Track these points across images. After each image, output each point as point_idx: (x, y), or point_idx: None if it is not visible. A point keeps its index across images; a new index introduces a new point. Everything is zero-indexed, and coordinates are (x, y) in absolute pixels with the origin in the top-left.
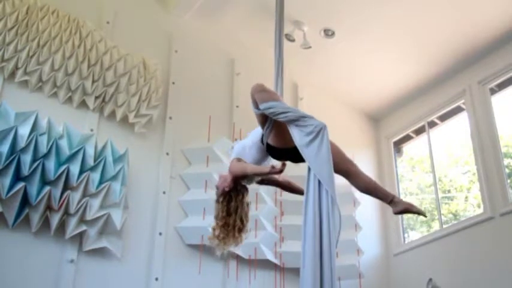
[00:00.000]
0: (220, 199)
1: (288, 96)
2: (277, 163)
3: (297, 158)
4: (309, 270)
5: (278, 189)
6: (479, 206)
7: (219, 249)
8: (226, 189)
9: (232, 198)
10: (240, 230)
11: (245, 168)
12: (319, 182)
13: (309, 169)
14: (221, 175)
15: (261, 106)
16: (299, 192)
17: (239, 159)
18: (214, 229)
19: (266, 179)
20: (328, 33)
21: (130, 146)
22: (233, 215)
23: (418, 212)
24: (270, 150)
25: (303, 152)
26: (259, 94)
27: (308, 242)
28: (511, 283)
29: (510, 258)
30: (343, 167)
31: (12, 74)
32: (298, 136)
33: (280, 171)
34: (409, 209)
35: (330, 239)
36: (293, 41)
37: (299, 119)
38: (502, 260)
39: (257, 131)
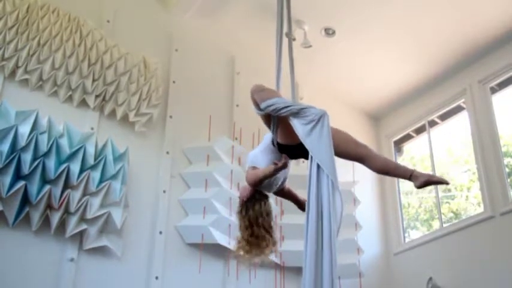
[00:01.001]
0: (240, 209)
1: (288, 96)
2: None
3: (300, 153)
4: (310, 257)
5: None
6: (479, 205)
7: (244, 260)
8: (244, 199)
9: (249, 208)
10: (265, 240)
11: (256, 174)
12: (319, 167)
13: (311, 158)
14: (242, 186)
15: (262, 105)
16: None
17: (254, 168)
18: (239, 241)
19: (284, 193)
20: (329, 32)
21: (131, 144)
22: (255, 226)
23: (440, 182)
24: (282, 150)
25: (306, 141)
26: (259, 94)
27: (310, 228)
28: (511, 282)
29: (510, 257)
30: (354, 152)
31: (13, 73)
32: (300, 127)
33: (284, 164)
34: (430, 180)
35: (330, 223)
36: (293, 40)
37: (300, 111)
38: (502, 259)
39: (267, 136)
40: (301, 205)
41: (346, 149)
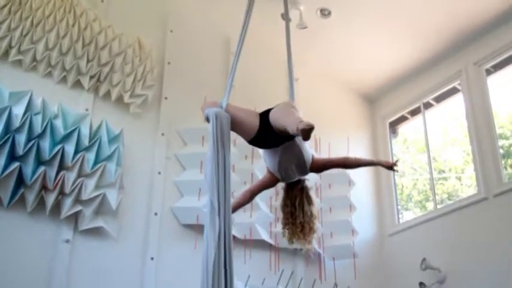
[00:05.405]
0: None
1: (283, 78)
2: None
3: (275, 138)
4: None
5: None
6: (473, 187)
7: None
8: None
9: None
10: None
11: None
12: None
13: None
14: None
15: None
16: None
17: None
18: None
19: (324, 166)
20: (325, 13)
21: (126, 126)
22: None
23: (310, 125)
24: (256, 146)
25: None
26: (203, 111)
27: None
28: (503, 263)
29: (503, 239)
30: (281, 128)
31: (6, 53)
32: None
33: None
34: (303, 127)
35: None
36: (289, 20)
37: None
38: (496, 240)
39: None
40: (343, 165)
41: (280, 127)
